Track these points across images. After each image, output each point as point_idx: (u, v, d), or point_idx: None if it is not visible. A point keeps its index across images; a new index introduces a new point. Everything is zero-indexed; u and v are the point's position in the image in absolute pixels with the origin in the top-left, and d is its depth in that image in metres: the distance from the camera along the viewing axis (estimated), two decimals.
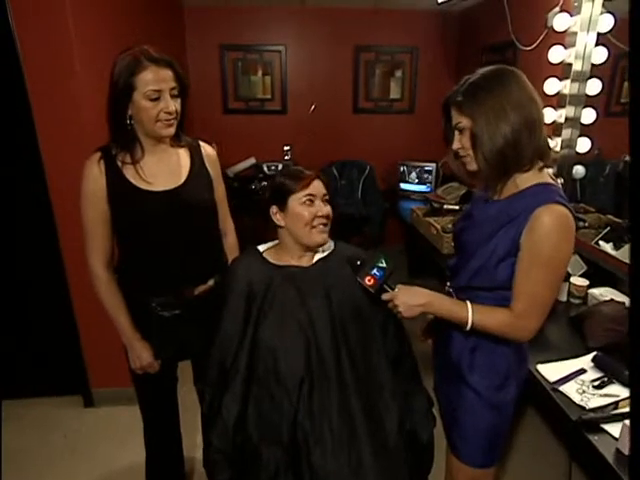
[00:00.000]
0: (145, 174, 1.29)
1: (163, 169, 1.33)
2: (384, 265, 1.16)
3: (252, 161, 3.99)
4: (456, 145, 1.12)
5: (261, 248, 1.31)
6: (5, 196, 2.10)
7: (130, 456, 1.88)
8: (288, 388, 1.12)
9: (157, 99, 1.21)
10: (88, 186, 1.28)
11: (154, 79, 1.20)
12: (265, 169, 3.92)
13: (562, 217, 1.02)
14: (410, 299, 1.14)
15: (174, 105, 1.24)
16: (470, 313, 1.11)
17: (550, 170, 1.15)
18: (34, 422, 2.32)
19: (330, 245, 1.31)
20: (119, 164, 1.29)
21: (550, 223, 1.01)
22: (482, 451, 1.26)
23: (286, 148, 4.10)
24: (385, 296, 1.17)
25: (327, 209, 1.23)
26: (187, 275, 1.39)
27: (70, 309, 2.23)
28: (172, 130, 1.28)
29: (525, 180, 1.09)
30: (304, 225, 1.20)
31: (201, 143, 1.45)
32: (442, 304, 1.16)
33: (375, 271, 1.16)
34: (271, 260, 1.26)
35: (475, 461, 1.27)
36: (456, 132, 1.12)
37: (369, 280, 1.15)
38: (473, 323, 1.11)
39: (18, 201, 2.12)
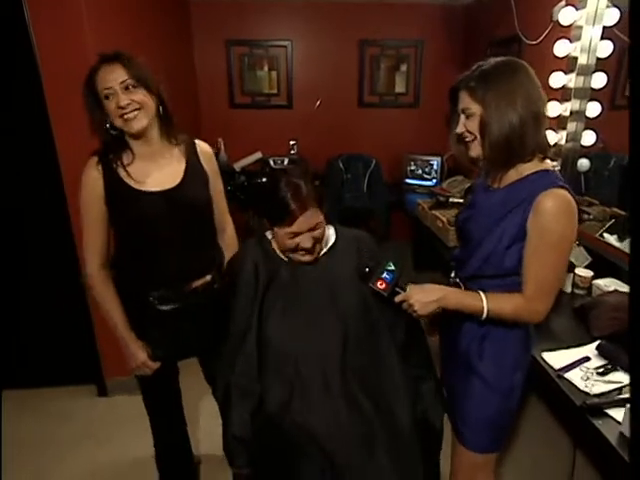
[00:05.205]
0: (140, 176, 1.30)
1: (158, 169, 1.34)
2: (393, 268, 1.18)
3: (258, 155, 4.02)
4: (460, 128, 1.14)
5: (270, 235, 1.29)
6: (23, 189, 2.16)
7: (143, 445, 1.91)
8: (291, 381, 1.16)
9: (111, 96, 1.21)
10: (88, 188, 1.30)
11: (103, 78, 1.21)
12: (272, 163, 3.95)
13: (565, 200, 1.05)
14: (424, 296, 1.16)
15: (127, 98, 1.21)
16: (485, 302, 1.14)
17: (554, 162, 1.17)
18: (48, 411, 2.36)
19: (331, 237, 1.29)
20: (114, 166, 1.30)
21: (555, 207, 1.04)
22: (488, 437, 1.30)
23: (292, 142, 4.13)
24: (398, 297, 1.18)
25: (313, 239, 1.16)
26: (184, 271, 1.41)
27: (84, 298, 2.27)
28: (138, 123, 1.25)
29: (526, 168, 1.12)
30: (286, 249, 1.21)
31: (196, 141, 1.44)
32: (456, 297, 1.18)
33: (385, 275, 1.17)
34: (278, 252, 1.26)
35: (480, 447, 1.31)
36: (462, 116, 1.13)
37: (381, 284, 1.17)
38: (489, 311, 1.14)
39: (35, 194, 2.17)
